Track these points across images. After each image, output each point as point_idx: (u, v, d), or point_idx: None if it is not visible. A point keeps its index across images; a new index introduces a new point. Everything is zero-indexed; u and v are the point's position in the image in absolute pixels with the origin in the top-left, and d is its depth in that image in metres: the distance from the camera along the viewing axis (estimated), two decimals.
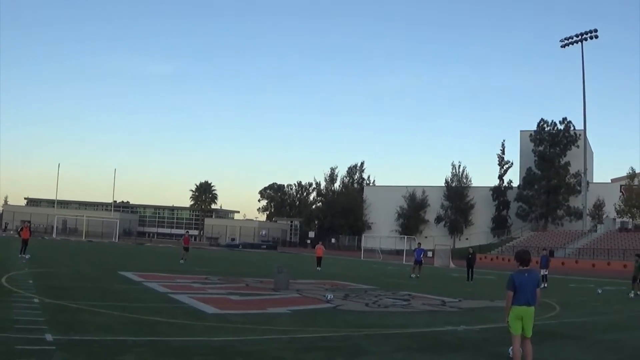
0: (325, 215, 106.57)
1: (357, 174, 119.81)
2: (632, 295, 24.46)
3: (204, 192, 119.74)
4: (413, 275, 32.48)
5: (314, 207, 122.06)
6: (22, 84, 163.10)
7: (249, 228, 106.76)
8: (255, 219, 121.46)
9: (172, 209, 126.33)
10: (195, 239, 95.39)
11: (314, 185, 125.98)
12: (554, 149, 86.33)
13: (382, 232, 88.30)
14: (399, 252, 66.06)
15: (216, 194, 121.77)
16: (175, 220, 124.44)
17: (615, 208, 72.29)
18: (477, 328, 13.14)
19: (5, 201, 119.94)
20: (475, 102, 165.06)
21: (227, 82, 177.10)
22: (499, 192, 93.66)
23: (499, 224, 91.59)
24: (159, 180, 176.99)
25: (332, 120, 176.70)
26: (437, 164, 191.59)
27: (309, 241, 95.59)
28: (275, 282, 20.84)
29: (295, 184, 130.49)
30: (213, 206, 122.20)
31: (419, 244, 40.22)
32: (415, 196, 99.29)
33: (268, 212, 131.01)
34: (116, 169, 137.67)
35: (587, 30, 77.21)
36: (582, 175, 79.90)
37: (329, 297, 17.72)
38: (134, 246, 65.84)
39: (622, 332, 13.91)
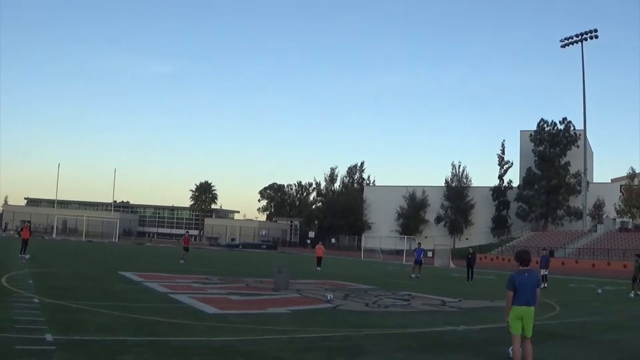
0: (325, 215, 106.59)
1: (357, 174, 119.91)
2: (632, 295, 24.45)
3: (204, 192, 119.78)
4: (413, 275, 32.48)
5: (314, 207, 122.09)
6: (22, 84, 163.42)
7: (249, 228, 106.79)
8: (255, 219, 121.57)
9: (172, 209, 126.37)
10: (195, 239, 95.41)
11: (314, 185, 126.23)
12: (554, 149, 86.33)
13: (382, 232, 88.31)
14: (399, 252, 66.07)
15: (216, 194, 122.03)
16: (175, 220, 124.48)
17: (615, 208, 72.30)
18: (477, 328, 13.14)
19: (5, 201, 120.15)
20: (475, 102, 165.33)
21: (227, 82, 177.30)
22: (499, 192, 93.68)
23: (499, 224, 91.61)
24: (159, 180, 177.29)
25: (332, 120, 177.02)
26: (437, 164, 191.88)
27: (309, 241, 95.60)
28: (275, 282, 20.84)
29: (295, 184, 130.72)
30: (213, 206, 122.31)
31: (419, 244, 40.23)
32: (415, 196, 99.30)
33: (268, 212, 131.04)
34: (116, 169, 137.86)
35: (587, 30, 77.33)
36: (582, 175, 79.91)
37: (329, 297, 17.72)
38: (134, 246, 65.84)
39: (622, 332, 13.91)
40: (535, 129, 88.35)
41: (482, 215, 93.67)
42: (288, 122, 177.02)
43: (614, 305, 20.74)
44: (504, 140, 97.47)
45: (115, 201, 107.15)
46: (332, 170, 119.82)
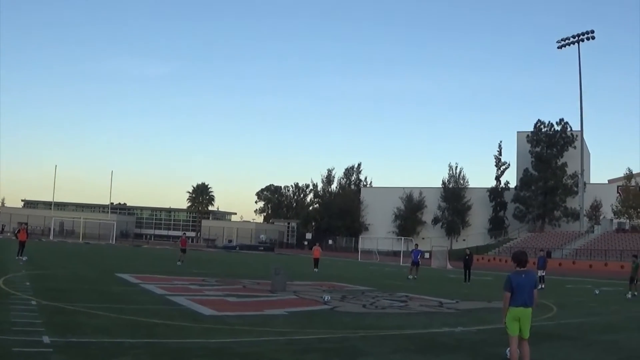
0: (323, 217, 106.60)
1: (354, 175, 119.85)
2: (629, 295, 24.51)
3: (201, 194, 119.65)
4: (410, 277, 32.51)
5: (311, 208, 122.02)
6: (19, 86, 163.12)
7: (246, 230, 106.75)
8: (252, 221, 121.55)
9: (169, 210, 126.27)
10: (192, 241, 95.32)
11: (311, 187, 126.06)
12: (550, 150, 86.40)
13: (379, 233, 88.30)
14: (396, 254, 66.02)
15: (213, 196, 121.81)
16: (172, 222, 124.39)
17: (612, 209, 72.38)
18: (475, 329, 13.16)
19: (2, 203, 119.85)
20: (472, 103, 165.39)
21: (224, 84, 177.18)
22: (496, 193, 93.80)
23: (496, 225, 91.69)
24: (156, 181, 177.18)
25: (329, 121, 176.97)
26: (434, 165, 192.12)
27: (306, 243, 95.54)
28: (272, 283, 20.84)
29: (292, 186, 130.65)
30: (210, 208, 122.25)
31: (416, 245, 40.29)
32: (412, 197, 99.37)
33: (265, 214, 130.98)
34: (113, 170, 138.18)
35: (584, 31, 77.49)
36: (579, 176, 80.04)
37: (326, 298, 17.73)
38: (131, 248, 65.75)
39: (619, 333, 13.93)
40: (532, 130, 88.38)
41: (479, 217, 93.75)
42: (285, 123, 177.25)
43: (611, 306, 20.77)
44: (500, 142, 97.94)
45: (112, 203, 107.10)
46: (329, 171, 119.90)
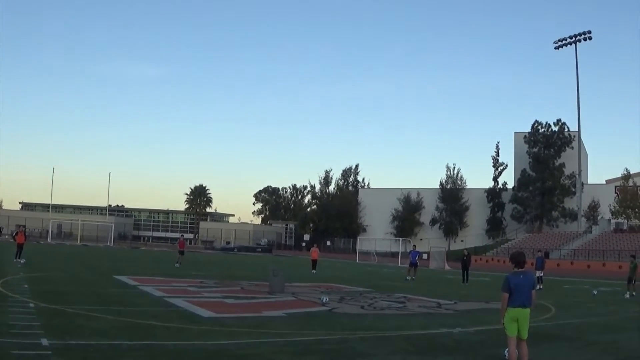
0: (320, 218, 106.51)
1: (352, 176, 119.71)
2: (627, 296, 24.53)
3: (199, 196, 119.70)
4: (408, 278, 32.51)
5: (308, 209, 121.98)
6: (16, 89, 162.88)
7: (244, 231, 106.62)
8: (250, 222, 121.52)
9: (167, 212, 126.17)
10: (190, 243, 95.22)
11: (308, 188, 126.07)
12: (548, 151, 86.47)
13: (377, 234, 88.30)
14: (394, 255, 65.99)
15: (211, 197, 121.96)
16: (170, 224, 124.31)
17: (610, 209, 72.47)
18: (473, 330, 13.17)
19: (0, 205, 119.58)
20: (470, 104, 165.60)
21: (221, 85, 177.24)
22: (493, 194, 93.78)
23: (494, 226, 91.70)
24: (153, 183, 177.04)
25: (327, 123, 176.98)
26: (432, 166, 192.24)
27: (304, 244, 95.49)
28: (270, 285, 20.83)
29: (290, 187, 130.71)
30: (208, 209, 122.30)
31: (414, 246, 40.37)
32: (410, 198, 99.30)
33: (263, 215, 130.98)
34: (111, 172, 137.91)
35: (581, 31, 77.54)
36: (577, 176, 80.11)
37: (324, 299, 17.73)
38: (129, 250, 65.70)
39: (617, 334, 13.93)
40: (529, 130, 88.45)
41: (477, 217, 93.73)
42: (283, 125, 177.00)
43: (609, 306, 20.77)
44: (498, 142, 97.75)
45: (110, 205, 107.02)
46: (327, 173, 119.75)
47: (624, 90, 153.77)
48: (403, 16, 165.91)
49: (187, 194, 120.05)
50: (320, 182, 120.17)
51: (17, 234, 31.58)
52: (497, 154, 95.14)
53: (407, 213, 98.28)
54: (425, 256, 57.85)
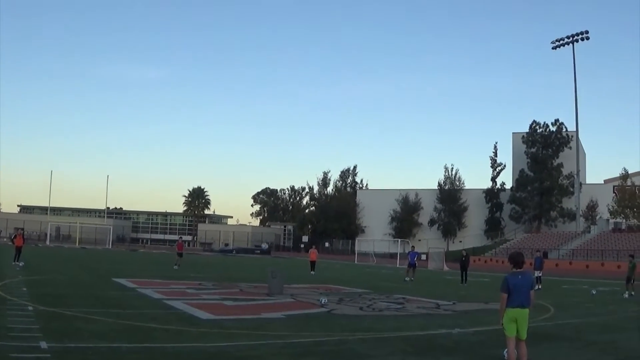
0: (319, 220, 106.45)
1: (350, 177, 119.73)
2: (626, 295, 24.55)
3: (197, 198, 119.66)
4: (407, 279, 32.52)
5: (307, 211, 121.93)
6: (16, 92, 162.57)
7: (243, 233, 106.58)
8: (248, 224, 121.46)
9: (165, 214, 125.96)
10: (188, 245, 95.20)
11: (307, 190, 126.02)
12: (546, 151, 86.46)
13: (375, 235, 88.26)
14: (392, 256, 65.98)
15: (209, 200, 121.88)
16: (168, 226, 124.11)
17: (609, 209, 72.43)
18: (472, 330, 13.18)
19: None
20: (467, 104, 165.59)
21: (220, 88, 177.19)
22: (492, 194, 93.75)
23: (493, 226, 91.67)
24: (152, 186, 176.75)
25: (325, 124, 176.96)
26: (430, 167, 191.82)
27: (302, 245, 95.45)
28: (269, 287, 20.84)
29: (288, 189, 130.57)
30: (206, 212, 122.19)
31: (413, 247, 40.34)
32: (408, 199, 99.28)
33: (261, 217, 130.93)
34: (109, 175, 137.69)
35: (578, 31, 77.53)
36: (575, 176, 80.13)
37: (323, 301, 17.74)
38: (128, 252, 65.67)
39: (616, 333, 13.94)
40: (527, 130, 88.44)
41: (475, 218, 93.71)
42: (281, 126, 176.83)
43: (608, 306, 20.79)
44: (496, 143, 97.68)
45: (108, 207, 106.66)
46: (325, 174, 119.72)
47: (621, 90, 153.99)
48: (401, 18, 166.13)
49: (185, 196, 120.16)
50: (318, 184, 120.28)
51: (15, 236, 31.54)
52: (495, 155, 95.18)
53: (406, 214, 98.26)
54: (423, 257, 57.90)
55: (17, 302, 14.43)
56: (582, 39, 77.04)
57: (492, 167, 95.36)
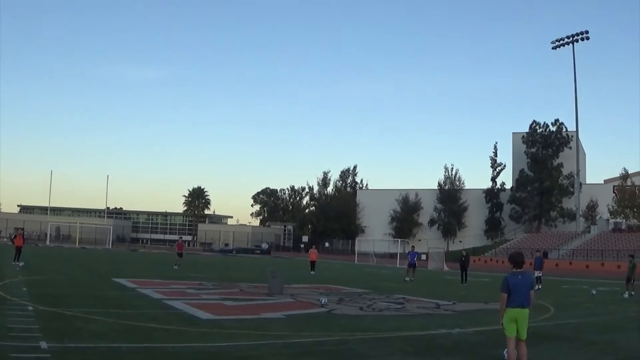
0: (319, 220, 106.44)
1: (350, 177, 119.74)
2: (626, 295, 24.55)
3: (197, 198, 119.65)
4: (407, 279, 32.52)
5: (307, 211, 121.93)
6: (16, 92, 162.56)
7: (243, 233, 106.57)
8: (248, 224, 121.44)
9: (165, 214, 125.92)
10: (188, 245, 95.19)
11: (307, 190, 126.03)
12: (546, 151, 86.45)
13: (375, 235, 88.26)
14: (392, 256, 65.97)
15: (209, 200, 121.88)
16: (168, 226, 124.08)
17: (609, 209, 72.41)
18: (472, 331, 13.18)
19: None
20: (467, 104, 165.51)
21: (220, 88, 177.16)
22: (492, 194, 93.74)
23: (493, 226, 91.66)
24: (152, 186, 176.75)
25: (325, 124, 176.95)
26: (430, 167, 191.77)
27: (302, 245, 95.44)
28: (269, 287, 20.84)
29: (288, 189, 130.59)
30: (206, 211, 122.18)
31: (413, 247, 40.33)
32: (408, 199, 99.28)
33: (261, 217, 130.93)
34: (109, 175, 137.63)
35: (578, 31, 77.53)
36: (575, 176, 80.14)
37: (323, 301, 17.73)
38: (128, 252, 65.66)
39: (616, 333, 13.94)
40: (527, 130, 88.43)
41: (475, 218, 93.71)
42: (281, 126, 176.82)
43: (608, 306, 20.79)
44: (496, 143, 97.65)
45: (108, 207, 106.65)
46: (325, 174, 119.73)
47: (621, 90, 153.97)
48: (401, 18, 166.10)
49: (185, 196, 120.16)
50: (318, 184, 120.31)
51: (15, 236, 31.54)
52: (495, 155, 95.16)
53: (406, 214, 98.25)
54: (423, 257, 57.89)
55: (17, 302, 14.43)
56: (582, 39, 77.04)
57: (492, 167, 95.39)
